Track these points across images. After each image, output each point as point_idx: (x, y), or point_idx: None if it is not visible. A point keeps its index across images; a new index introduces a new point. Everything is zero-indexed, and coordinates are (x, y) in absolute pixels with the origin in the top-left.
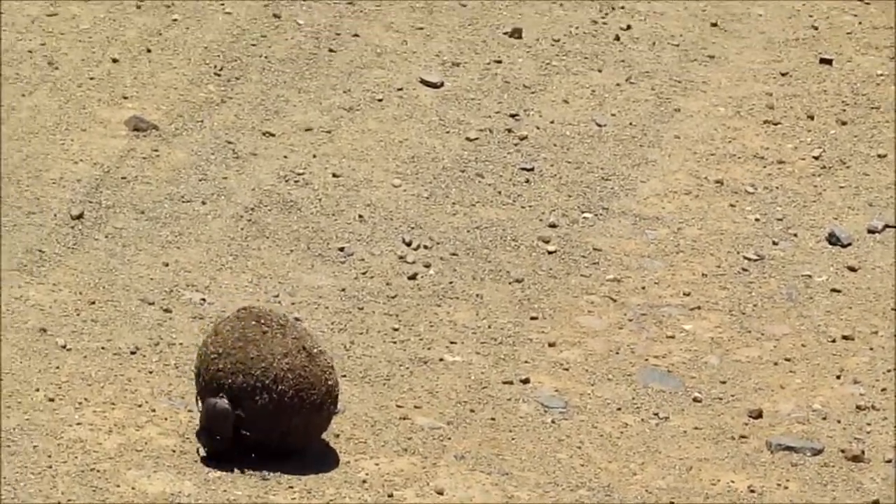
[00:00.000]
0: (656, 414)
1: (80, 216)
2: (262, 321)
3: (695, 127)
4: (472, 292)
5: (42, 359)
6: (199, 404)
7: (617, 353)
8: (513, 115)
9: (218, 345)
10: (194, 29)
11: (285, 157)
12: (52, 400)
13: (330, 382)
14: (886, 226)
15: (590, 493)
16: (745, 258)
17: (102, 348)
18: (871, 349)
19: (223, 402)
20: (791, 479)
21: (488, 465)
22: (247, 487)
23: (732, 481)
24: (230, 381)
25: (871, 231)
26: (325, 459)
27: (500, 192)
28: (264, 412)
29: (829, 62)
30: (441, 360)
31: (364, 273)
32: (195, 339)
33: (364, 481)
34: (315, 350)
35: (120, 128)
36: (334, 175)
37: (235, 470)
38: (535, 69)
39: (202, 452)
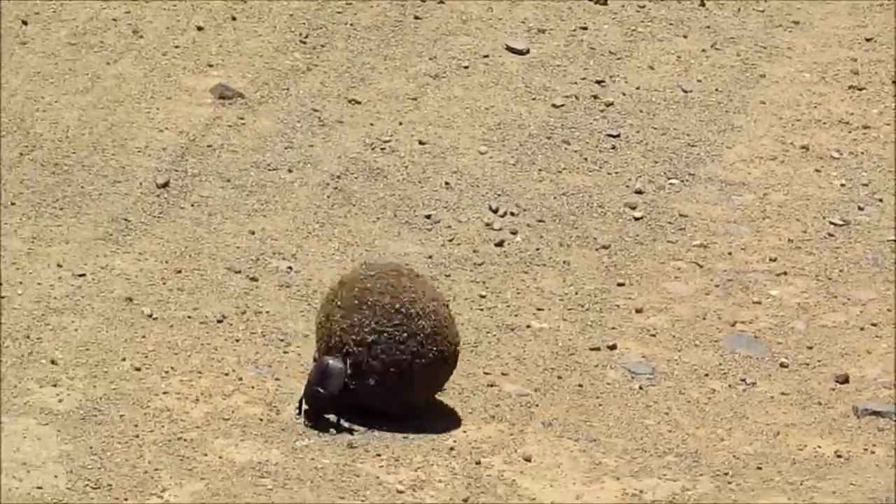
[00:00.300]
0: (743, 380)
1: (165, 184)
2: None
3: (780, 92)
4: (558, 259)
5: (128, 328)
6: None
7: (704, 318)
8: (598, 82)
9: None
10: None
11: (371, 124)
12: (138, 369)
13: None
14: None
15: (677, 458)
16: (832, 223)
17: (189, 317)
18: None
19: (337, 361)
20: (878, 444)
21: (576, 431)
22: (334, 455)
23: (819, 446)
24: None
25: None
26: (413, 426)
27: (586, 159)
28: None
29: None
30: (528, 326)
31: (451, 240)
32: (281, 307)
33: (452, 448)
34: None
35: (205, 96)
36: (420, 142)
37: (322, 436)
38: (621, 35)
39: (302, 410)
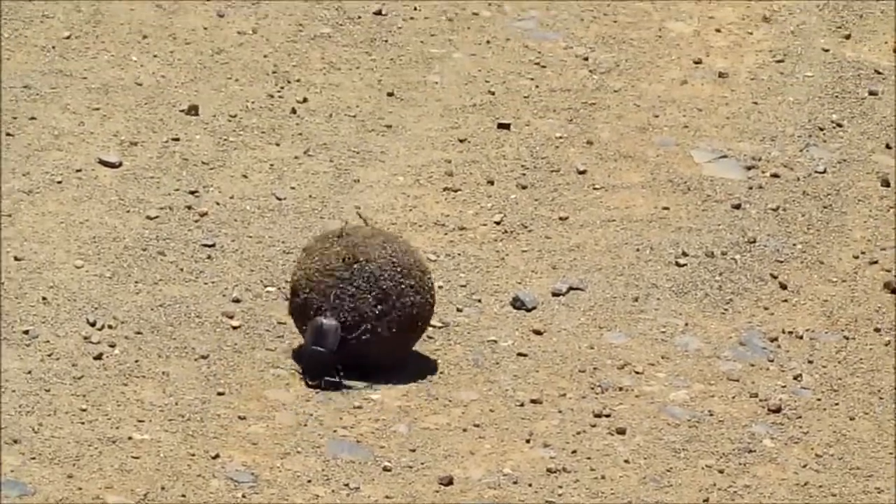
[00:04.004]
0: (346, 484)
1: None
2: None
3: (375, 197)
4: (158, 370)
5: None
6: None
7: (305, 425)
8: (192, 192)
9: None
10: None
11: None
12: None
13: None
14: (570, 288)
15: None
16: (431, 326)
17: None
18: (560, 412)
19: (330, 319)
20: None
21: None
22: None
23: None
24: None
25: (555, 294)
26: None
27: (182, 269)
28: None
29: (506, 127)
30: (130, 438)
31: (50, 355)
32: None
33: None
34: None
35: None
36: (16, 258)
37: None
38: (213, 145)
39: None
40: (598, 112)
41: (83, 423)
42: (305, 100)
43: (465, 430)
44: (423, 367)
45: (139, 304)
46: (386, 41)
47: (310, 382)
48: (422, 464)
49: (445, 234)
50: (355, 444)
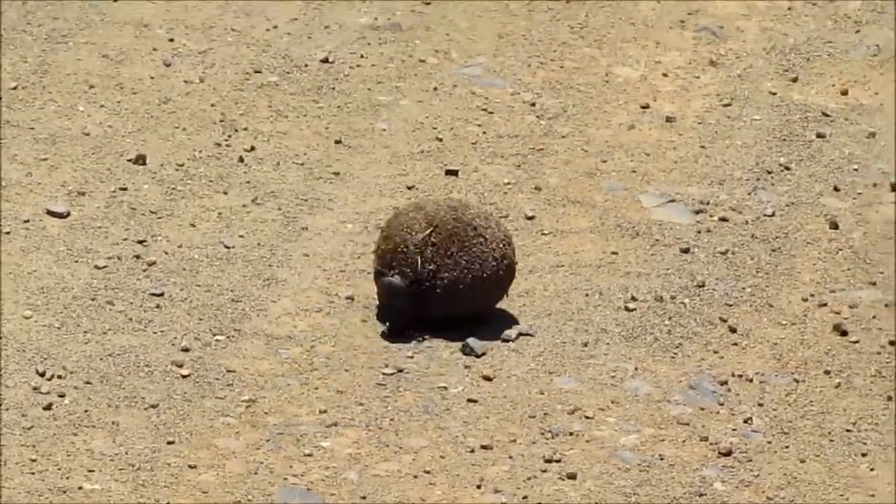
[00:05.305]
0: None
1: None
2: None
3: (323, 244)
4: (107, 419)
5: None
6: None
7: (256, 473)
8: (141, 242)
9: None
10: None
11: None
12: None
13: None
14: (520, 333)
15: None
16: (382, 373)
17: None
18: (511, 457)
19: (396, 279)
20: None
21: None
22: None
23: None
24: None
25: (504, 340)
26: None
27: (131, 319)
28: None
29: (454, 173)
30: (80, 488)
31: None
32: None
33: None
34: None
35: None
36: None
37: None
38: (161, 194)
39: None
40: (546, 158)
41: (33, 474)
42: (253, 148)
43: (415, 477)
44: (374, 414)
45: (88, 354)
46: (333, 89)
47: (390, 339)
48: None
49: None
50: (306, 492)
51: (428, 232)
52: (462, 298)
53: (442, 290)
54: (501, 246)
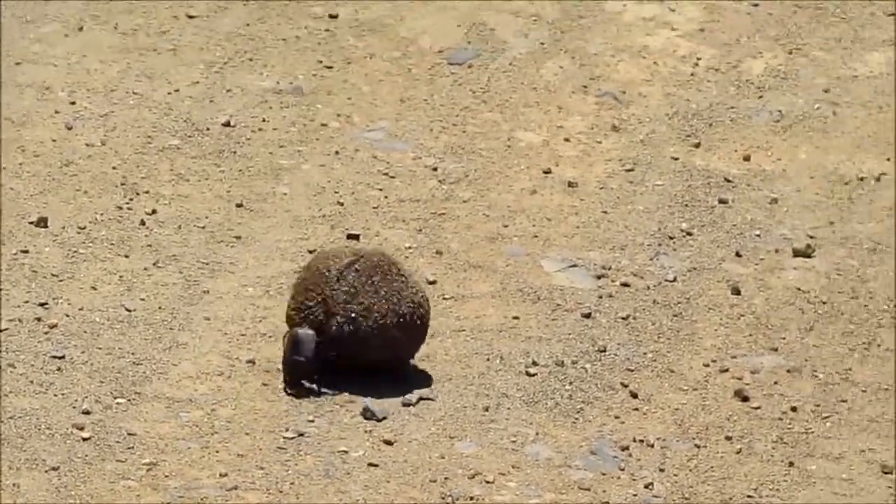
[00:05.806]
0: None
1: None
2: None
3: (224, 308)
4: (8, 482)
5: None
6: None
7: None
8: (42, 304)
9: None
10: None
11: None
12: None
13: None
14: (421, 398)
15: None
16: (283, 436)
17: None
18: None
19: (306, 329)
20: None
21: None
22: None
23: None
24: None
25: (405, 404)
26: None
27: (31, 381)
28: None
29: (356, 237)
30: None
31: None
32: None
33: None
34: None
35: None
36: None
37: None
38: (63, 257)
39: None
40: (448, 222)
41: None
42: (154, 211)
43: None
44: (275, 478)
45: None
46: (235, 152)
47: (289, 391)
48: None
49: None
50: None
51: (353, 258)
52: (373, 328)
53: (356, 315)
54: (420, 297)
